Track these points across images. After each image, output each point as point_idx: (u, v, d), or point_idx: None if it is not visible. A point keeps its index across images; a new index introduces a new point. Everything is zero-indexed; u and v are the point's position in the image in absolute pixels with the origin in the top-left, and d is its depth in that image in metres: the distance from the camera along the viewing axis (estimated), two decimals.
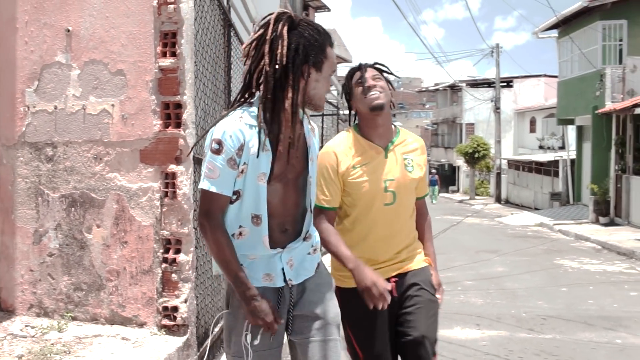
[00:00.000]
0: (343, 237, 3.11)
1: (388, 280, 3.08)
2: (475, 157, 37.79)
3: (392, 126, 3.28)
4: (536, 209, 28.32)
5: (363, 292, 2.86)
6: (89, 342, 3.99)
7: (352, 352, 3.20)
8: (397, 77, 3.62)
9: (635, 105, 17.60)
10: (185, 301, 4.11)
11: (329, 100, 15.24)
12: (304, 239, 2.60)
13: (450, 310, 8.03)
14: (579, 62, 23.29)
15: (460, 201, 37.16)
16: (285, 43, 2.37)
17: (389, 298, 2.83)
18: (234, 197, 2.46)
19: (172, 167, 4.08)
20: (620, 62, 20.94)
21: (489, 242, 16.37)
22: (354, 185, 3.09)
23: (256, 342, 2.51)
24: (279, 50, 2.36)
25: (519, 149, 41.03)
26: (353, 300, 3.01)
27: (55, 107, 4.25)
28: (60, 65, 4.23)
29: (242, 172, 2.42)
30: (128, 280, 4.18)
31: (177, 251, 4.11)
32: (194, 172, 4.26)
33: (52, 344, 3.92)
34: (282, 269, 2.56)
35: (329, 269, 3.17)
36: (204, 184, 2.43)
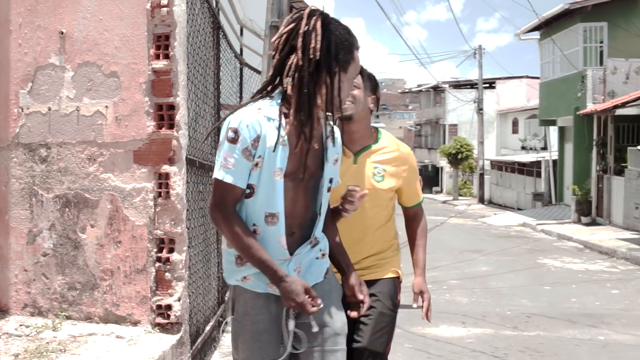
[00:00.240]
0: None
1: None
2: (458, 158, 38.00)
3: (374, 131, 3.23)
4: (519, 209, 28.55)
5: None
6: (84, 340, 4.04)
7: None
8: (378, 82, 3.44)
9: (616, 107, 17.84)
10: (179, 299, 4.17)
11: None
12: (312, 245, 2.55)
13: (437, 309, 8.10)
14: (561, 63, 23.54)
15: (444, 202, 37.36)
16: (319, 38, 2.33)
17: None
18: (248, 191, 2.41)
19: (166, 168, 4.14)
20: (601, 63, 21.21)
21: (473, 242, 16.52)
22: None
23: (314, 328, 2.49)
24: (313, 45, 2.32)
25: (502, 150, 41.33)
26: None
27: (49, 109, 4.30)
28: (54, 67, 4.28)
29: (256, 165, 2.37)
30: (122, 279, 4.23)
31: (171, 250, 4.17)
32: (187, 173, 4.33)
33: (48, 342, 3.97)
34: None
35: None
36: (219, 174, 2.37)
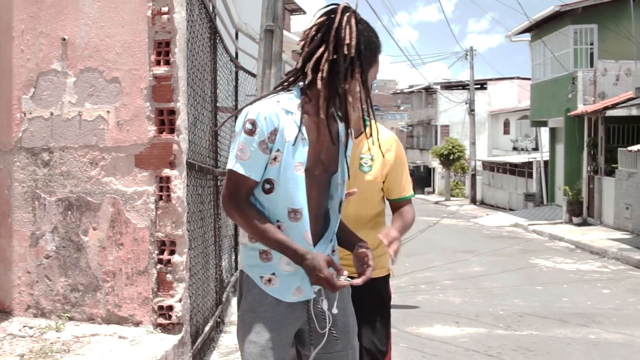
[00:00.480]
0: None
1: None
2: (450, 159, 38.15)
3: (362, 122, 3.10)
4: (511, 209, 28.71)
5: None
6: (87, 341, 4.12)
7: None
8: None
9: (607, 108, 18.02)
10: (180, 300, 4.25)
11: None
12: (329, 241, 2.51)
13: (431, 309, 8.26)
14: (552, 65, 23.71)
15: (436, 202, 37.51)
16: (355, 35, 2.30)
17: None
18: (268, 186, 2.37)
19: (167, 172, 4.22)
20: (592, 65, 21.39)
21: (465, 242, 16.64)
22: None
23: (334, 310, 2.45)
24: (349, 41, 2.29)
25: (493, 151, 41.52)
26: None
27: (52, 114, 4.38)
28: (56, 72, 4.36)
29: (275, 159, 2.33)
30: (124, 280, 4.32)
31: (172, 252, 4.25)
32: (187, 176, 4.41)
33: (52, 343, 4.05)
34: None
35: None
36: (235, 165, 2.34)
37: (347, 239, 2.64)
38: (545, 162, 26.43)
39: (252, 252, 2.46)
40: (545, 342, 6.74)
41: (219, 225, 6.28)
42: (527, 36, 26.45)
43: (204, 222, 5.36)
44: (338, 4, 2.40)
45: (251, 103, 2.39)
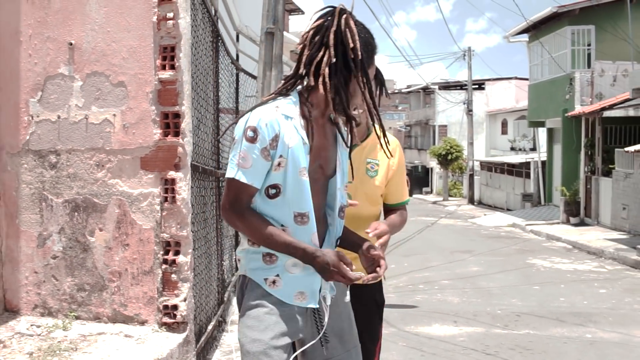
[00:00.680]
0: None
1: None
2: (448, 159, 38.27)
3: (366, 125, 3.12)
4: (508, 209, 28.82)
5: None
6: (94, 339, 4.21)
7: None
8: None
9: (604, 109, 18.12)
10: (185, 300, 4.34)
11: None
12: (334, 244, 2.51)
13: (429, 309, 8.36)
14: (549, 66, 23.83)
15: (434, 202, 37.62)
16: (357, 37, 2.29)
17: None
18: (273, 191, 2.34)
19: (172, 174, 4.31)
20: (589, 66, 21.50)
21: (463, 242, 16.74)
22: None
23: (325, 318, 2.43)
24: (352, 45, 2.28)
25: (491, 151, 41.64)
26: None
27: (59, 117, 4.46)
28: (63, 76, 4.45)
29: (279, 165, 2.30)
30: (130, 280, 4.40)
31: (177, 253, 4.34)
32: (192, 178, 4.50)
33: (59, 341, 4.14)
34: (321, 286, 2.43)
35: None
36: (236, 173, 2.31)
37: (350, 240, 2.61)
38: (543, 163, 26.54)
39: (254, 255, 2.41)
40: (542, 341, 6.84)
41: (220, 226, 6.38)
42: (525, 37, 26.57)
43: (207, 223, 5.46)
44: (335, 7, 2.38)
45: (250, 110, 2.36)
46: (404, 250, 14.09)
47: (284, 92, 2.41)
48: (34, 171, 4.53)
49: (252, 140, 2.28)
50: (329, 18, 2.34)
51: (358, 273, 2.33)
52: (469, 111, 36.37)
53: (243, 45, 10.37)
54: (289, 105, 2.36)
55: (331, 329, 2.48)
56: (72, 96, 4.45)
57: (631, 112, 18.17)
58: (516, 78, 43.72)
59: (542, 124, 25.52)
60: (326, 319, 2.43)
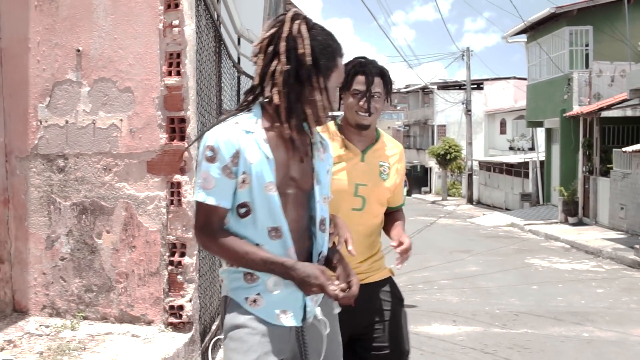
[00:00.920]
0: None
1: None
2: (447, 159, 38.35)
3: (375, 129, 3.15)
4: (507, 209, 28.92)
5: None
6: (102, 339, 4.32)
7: None
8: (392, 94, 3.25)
9: (602, 109, 18.22)
10: (190, 300, 4.45)
11: None
12: (319, 262, 2.37)
13: (428, 308, 8.47)
14: (547, 66, 23.93)
15: (433, 202, 37.72)
16: (308, 42, 2.20)
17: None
18: (243, 210, 2.25)
19: (177, 177, 4.42)
20: (587, 66, 21.59)
21: (462, 242, 16.84)
22: None
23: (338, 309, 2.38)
24: (302, 50, 2.20)
25: (490, 150, 41.73)
26: None
27: (67, 122, 4.57)
28: (71, 82, 4.55)
29: (243, 182, 2.21)
30: (136, 281, 4.51)
31: (182, 254, 4.45)
32: None
33: (68, 341, 4.24)
34: (305, 303, 2.33)
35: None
36: (200, 196, 2.23)
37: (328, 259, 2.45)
38: (542, 162, 26.65)
39: (235, 274, 2.33)
40: (539, 340, 6.95)
41: None
42: (523, 37, 26.65)
43: None
44: (286, 13, 2.29)
45: (209, 129, 2.27)
46: None
47: (245, 106, 2.32)
48: (43, 175, 4.63)
49: (212, 159, 2.20)
50: (281, 25, 2.26)
51: (339, 287, 2.21)
52: (468, 111, 36.46)
53: (244, 48, 10.46)
54: (250, 119, 2.27)
55: (316, 351, 2.38)
56: (79, 101, 4.55)
57: (629, 112, 18.29)
58: (515, 78, 43.81)
59: (540, 124, 25.62)
60: (327, 330, 2.37)
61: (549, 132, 25.38)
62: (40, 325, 4.53)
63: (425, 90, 50.05)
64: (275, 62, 2.23)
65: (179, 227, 4.44)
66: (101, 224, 4.56)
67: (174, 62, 4.40)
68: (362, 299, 2.80)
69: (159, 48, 4.42)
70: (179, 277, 4.44)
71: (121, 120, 4.49)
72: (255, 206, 2.23)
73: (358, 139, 3.05)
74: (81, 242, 4.59)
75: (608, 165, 18.41)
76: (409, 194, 38.34)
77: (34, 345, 4.18)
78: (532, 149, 30.74)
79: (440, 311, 8.34)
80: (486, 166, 35.40)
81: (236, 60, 8.65)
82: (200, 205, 2.24)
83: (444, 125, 47.01)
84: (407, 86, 56.67)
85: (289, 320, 2.30)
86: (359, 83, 2.96)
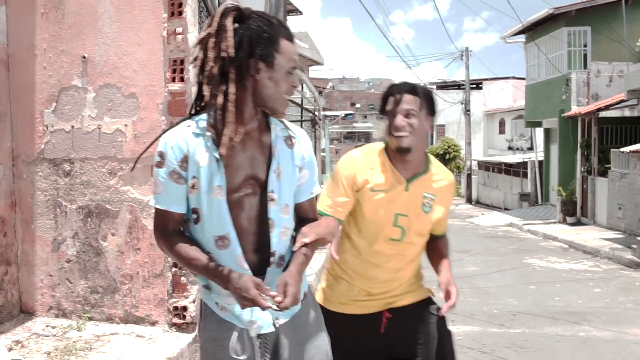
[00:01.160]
0: (340, 255, 2.89)
1: (380, 314, 2.90)
2: (446, 159, 38.41)
3: (425, 156, 2.95)
4: (506, 209, 29.00)
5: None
6: (107, 339, 4.42)
7: None
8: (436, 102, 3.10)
9: (600, 109, 18.32)
10: (194, 301, 4.55)
11: (305, 107, 15.56)
12: (278, 265, 2.26)
13: None
14: (546, 66, 24.01)
15: None
16: (230, 34, 2.07)
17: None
18: (194, 216, 2.20)
19: None
20: (585, 67, 21.68)
21: (461, 242, 16.89)
22: (364, 207, 2.83)
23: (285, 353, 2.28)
24: (224, 43, 2.06)
25: (489, 150, 41.81)
26: (338, 326, 2.72)
27: (72, 127, 4.67)
28: (76, 88, 4.65)
29: (193, 187, 2.15)
30: (141, 283, 4.61)
31: None
32: None
33: (74, 341, 4.35)
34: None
35: (318, 286, 3.07)
36: (151, 201, 2.24)
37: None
38: (540, 162, 26.74)
39: (199, 280, 2.32)
40: (537, 339, 7.04)
41: None
42: (521, 38, 26.74)
43: None
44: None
45: (161, 134, 2.23)
46: None
47: (198, 110, 2.23)
48: (49, 179, 4.73)
49: (160, 164, 2.18)
50: (210, 24, 2.14)
51: (272, 301, 2.08)
52: (467, 111, 36.55)
53: None
54: (201, 121, 2.18)
55: (296, 357, 2.31)
56: (85, 107, 4.65)
57: (627, 113, 18.41)
58: (514, 78, 43.87)
59: (539, 124, 25.71)
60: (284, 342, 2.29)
61: (547, 132, 25.47)
62: (46, 326, 4.64)
63: None
64: (210, 63, 2.10)
65: None
66: (106, 227, 4.66)
67: (177, 68, 4.50)
68: (402, 321, 2.86)
69: (163, 55, 4.52)
70: (182, 278, 4.54)
71: (126, 125, 4.59)
72: (202, 213, 2.18)
73: (404, 167, 2.86)
74: (87, 244, 4.70)
75: (606, 166, 18.50)
76: None
77: (41, 346, 4.28)
78: (530, 148, 30.83)
79: None
80: (485, 166, 35.48)
81: None
82: (155, 209, 2.23)
83: (443, 125, 47.08)
84: None
85: (256, 327, 2.23)
86: (389, 103, 2.82)
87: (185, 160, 2.14)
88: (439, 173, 2.97)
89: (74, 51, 4.64)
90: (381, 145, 2.93)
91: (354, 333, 2.86)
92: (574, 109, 20.37)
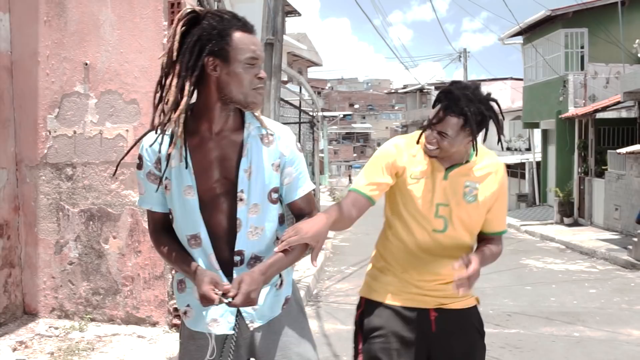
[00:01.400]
0: (384, 248, 2.82)
1: (427, 311, 2.75)
2: None
3: (469, 148, 2.76)
4: None
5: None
6: (109, 340, 4.52)
7: None
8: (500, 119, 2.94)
9: (597, 111, 18.38)
10: None
11: (303, 109, 15.63)
12: (248, 266, 2.23)
13: None
14: (543, 68, 24.07)
15: None
16: (176, 39, 2.07)
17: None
18: (171, 216, 2.24)
19: None
20: (582, 68, 21.75)
21: None
22: (405, 195, 2.71)
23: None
24: (170, 46, 2.09)
25: None
26: (384, 315, 2.70)
27: (75, 132, 4.77)
28: (79, 94, 4.76)
29: (166, 187, 2.19)
30: (142, 285, 4.71)
31: None
32: None
33: (77, 342, 4.45)
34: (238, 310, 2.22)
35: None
36: (138, 201, 2.31)
37: None
38: (538, 163, 26.80)
39: (174, 282, 2.33)
40: (531, 339, 7.13)
41: None
42: (519, 39, 26.82)
43: None
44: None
45: (143, 136, 2.22)
46: None
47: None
48: (52, 183, 4.84)
49: (139, 166, 2.24)
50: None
51: (222, 301, 2.06)
52: None
53: None
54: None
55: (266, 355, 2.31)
56: (87, 113, 4.76)
57: (623, 114, 18.49)
58: (512, 78, 43.87)
59: (536, 125, 25.76)
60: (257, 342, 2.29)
61: (545, 133, 25.53)
62: (49, 327, 4.74)
63: (422, 91, 50.20)
64: (162, 68, 2.13)
65: None
66: (108, 230, 4.76)
67: None
68: (442, 324, 2.73)
69: None
70: None
71: (127, 130, 4.69)
72: (175, 213, 2.21)
73: (443, 158, 2.70)
74: (89, 247, 4.80)
75: (603, 167, 18.56)
76: None
77: (45, 346, 4.38)
78: (528, 149, 30.91)
79: None
80: None
81: None
82: (146, 210, 2.30)
83: None
84: (405, 86, 56.84)
85: (220, 328, 2.22)
86: (435, 111, 2.63)
87: (159, 162, 2.18)
88: (487, 161, 2.80)
89: (76, 58, 4.75)
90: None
91: (398, 325, 2.72)
92: (571, 110, 20.43)
